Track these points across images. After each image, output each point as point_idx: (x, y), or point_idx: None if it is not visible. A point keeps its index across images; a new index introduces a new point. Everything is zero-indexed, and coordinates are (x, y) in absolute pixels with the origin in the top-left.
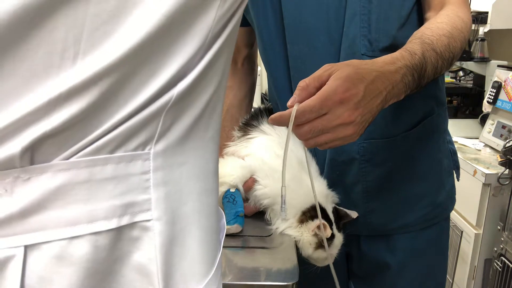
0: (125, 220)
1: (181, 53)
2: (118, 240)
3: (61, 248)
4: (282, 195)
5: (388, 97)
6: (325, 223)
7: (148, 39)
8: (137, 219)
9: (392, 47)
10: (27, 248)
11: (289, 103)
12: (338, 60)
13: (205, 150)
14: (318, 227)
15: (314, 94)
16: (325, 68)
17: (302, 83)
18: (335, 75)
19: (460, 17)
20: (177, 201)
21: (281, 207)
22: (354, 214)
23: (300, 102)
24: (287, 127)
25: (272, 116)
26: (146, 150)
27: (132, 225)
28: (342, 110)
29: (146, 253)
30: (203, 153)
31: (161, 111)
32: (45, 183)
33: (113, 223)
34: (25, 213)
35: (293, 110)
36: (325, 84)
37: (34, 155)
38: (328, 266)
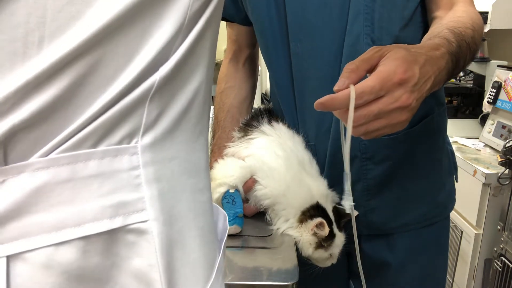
0: (117, 222)
1: (157, 34)
2: (113, 244)
3: (48, 256)
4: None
5: (434, 82)
6: (323, 220)
7: (119, 19)
8: (131, 220)
9: None
10: (9, 258)
11: (336, 87)
12: (340, 58)
13: (196, 144)
14: (317, 225)
15: (363, 76)
16: (374, 50)
17: (351, 65)
18: (390, 55)
19: (475, 13)
20: (172, 200)
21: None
22: (354, 213)
23: (352, 84)
24: (341, 110)
25: (321, 100)
26: (132, 144)
27: (127, 228)
28: (400, 93)
29: (146, 259)
30: (194, 147)
31: (144, 98)
32: (23, 184)
33: (103, 226)
34: (3, 220)
35: (352, 91)
36: (375, 66)
37: (7, 154)
38: (328, 266)
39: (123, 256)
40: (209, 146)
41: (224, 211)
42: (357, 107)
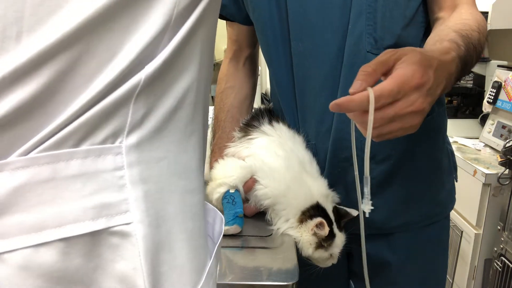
0: (100, 224)
1: (142, 30)
2: (96, 246)
3: (26, 257)
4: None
5: (445, 87)
6: (323, 220)
7: (101, 14)
8: (114, 222)
9: (396, 46)
10: None
11: (352, 90)
12: (341, 58)
13: (187, 145)
14: (317, 225)
15: (379, 79)
16: (390, 53)
17: (367, 68)
18: (407, 59)
19: (479, 15)
20: (159, 201)
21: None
22: (354, 212)
23: (370, 87)
24: (356, 112)
25: (338, 101)
26: (116, 143)
27: (110, 230)
28: (416, 97)
29: (130, 262)
30: (185, 148)
31: (129, 97)
32: (2, 183)
33: (85, 227)
34: None
35: (371, 94)
36: (391, 70)
37: None
38: (328, 266)
39: (106, 258)
40: (209, 146)
41: (221, 214)
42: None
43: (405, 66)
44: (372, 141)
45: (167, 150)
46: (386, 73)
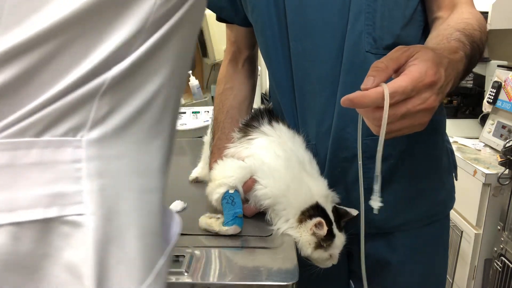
0: (53, 212)
1: (114, 34)
2: (47, 233)
3: None
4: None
5: (453, 85)
6: (322, 220)
7: (76, 16)
8: (67, 212)
9: (396, 46)
10: None
11: (363, 86)
12: (341, 57)
13: (151, 146)
14: (316, 225)
15: (391, 76)
16: (401, 50)
17: (380, 64)
18: (419, 56)
19: (479, 14)
20: (114, 196)
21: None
22: (354, 212)
23: (384, 83)
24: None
25: (350, 96)
26: (77, 137)
27: (62, 219)
28: (428, 94)
29: (79, 252)
30: (148, 149)
31: (93, 95)
32: None
33: (37, 214)
34: None
35: (386, 90)
36: (402, 67)
37: None
38: (328, 267)
39: (56, 246)
40: (209, 147)
41: (179, 217)
42: (383, 107)
43: (418, 63)
44: (372, 141)
45: (129, 148)
46: (397, 70)
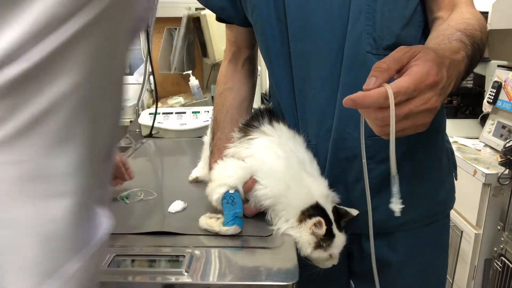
0: None
1: (5, 35)
2: None
3: None
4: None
5: (454, 86)
6: (321, 219)
7: None
8: None
9: (396, 46)
10: None
11: (365, 86)
12: (341, 58)
13: (58, 150)
14: (315, 224)
15: (393, 76)
16: (403, 50)
17: (382, 65)
18: (422, 56)
19: (479, 14)
20: (8, 204)
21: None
22: (354, 212)
23: (385, 83)
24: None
25: (353, 96)
26: None
27: None
28: (430, 95)
29: None
30: (55, 153)
31: None
32: None
33: None
34: None
35: (389, 90)
36: (405, 67)
37: None
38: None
39: None
40: (209, 147)
41: (109, 221)
42: (386, 107)
43: (420, 64)
44: (373, 141)
45: (29, 154)
46: (399, 70)
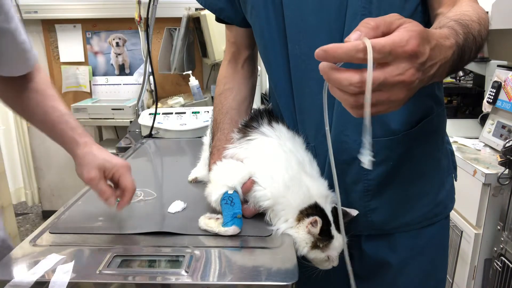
0: None
1: None
2: None
3: None
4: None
5: (438, 71)
6: (317, 218)
7: None
8: None
9: None
10: None
11: (347, 38)
12: None
13: None
14: (311, 223)
15: (379, 36)
16: (396, 16)
17: (371, 21)
18: (408, 26)
19: (481, 8)
20: None
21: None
22: (354, 212)
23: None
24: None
25: (325, 46)
26: None
27: None
28: (407, 66)
29: None
30: None
31: None
32: None
33: None
34: None
35: (367, 42)
36: (392, 32)
37: None
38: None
39: None
40: (208, 148)
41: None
42: (362, 71)
43: (404, 31)
44: (373, 141)
45: None
46: (386, 34)
